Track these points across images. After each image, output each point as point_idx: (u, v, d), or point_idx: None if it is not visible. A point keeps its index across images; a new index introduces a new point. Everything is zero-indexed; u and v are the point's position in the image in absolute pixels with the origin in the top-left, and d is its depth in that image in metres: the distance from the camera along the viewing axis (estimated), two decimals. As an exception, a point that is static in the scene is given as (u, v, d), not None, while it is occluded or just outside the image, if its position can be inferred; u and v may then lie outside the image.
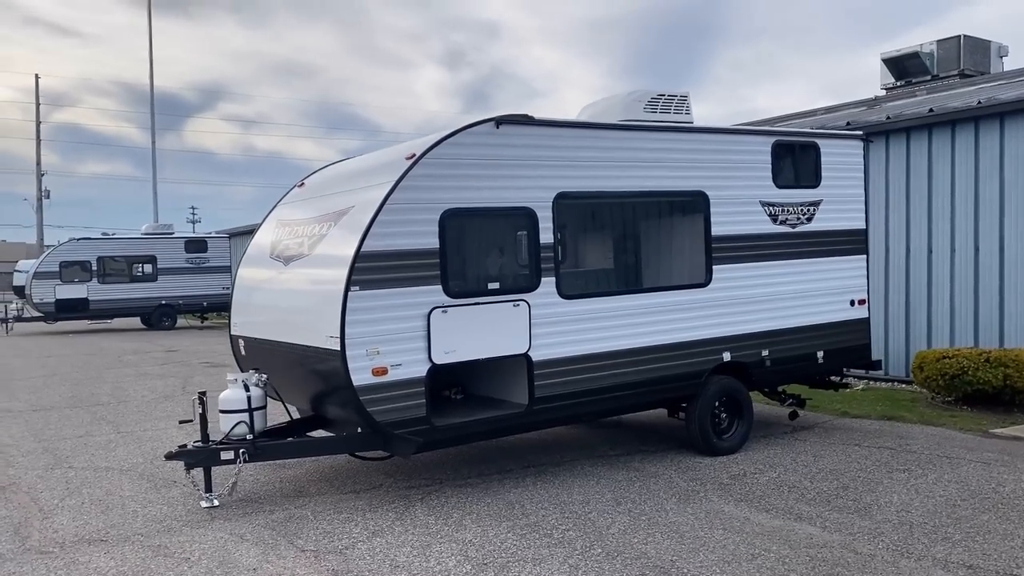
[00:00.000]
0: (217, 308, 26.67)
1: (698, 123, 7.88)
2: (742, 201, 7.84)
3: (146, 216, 37.44)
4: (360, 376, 5.90)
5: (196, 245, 27.01)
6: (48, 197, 49.67)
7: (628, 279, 7.99)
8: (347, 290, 5.84)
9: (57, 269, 25.18)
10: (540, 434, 8.45)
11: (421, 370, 6.15)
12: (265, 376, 6.83)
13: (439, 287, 6.22)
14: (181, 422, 7.27)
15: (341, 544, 5.56)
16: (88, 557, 5.44)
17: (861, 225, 8.76)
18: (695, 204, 7.69)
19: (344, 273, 5.88)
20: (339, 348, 5.84)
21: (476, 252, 7.34)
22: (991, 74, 16.18)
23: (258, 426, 6.59)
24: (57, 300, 25.03)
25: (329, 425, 7.13)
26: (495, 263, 7.42)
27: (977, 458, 7.35)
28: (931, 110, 11.19)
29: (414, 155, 6.21)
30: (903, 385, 11.28)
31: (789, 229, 8.14)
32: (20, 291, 29.58)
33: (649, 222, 8.52)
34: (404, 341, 6.09)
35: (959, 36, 16.75)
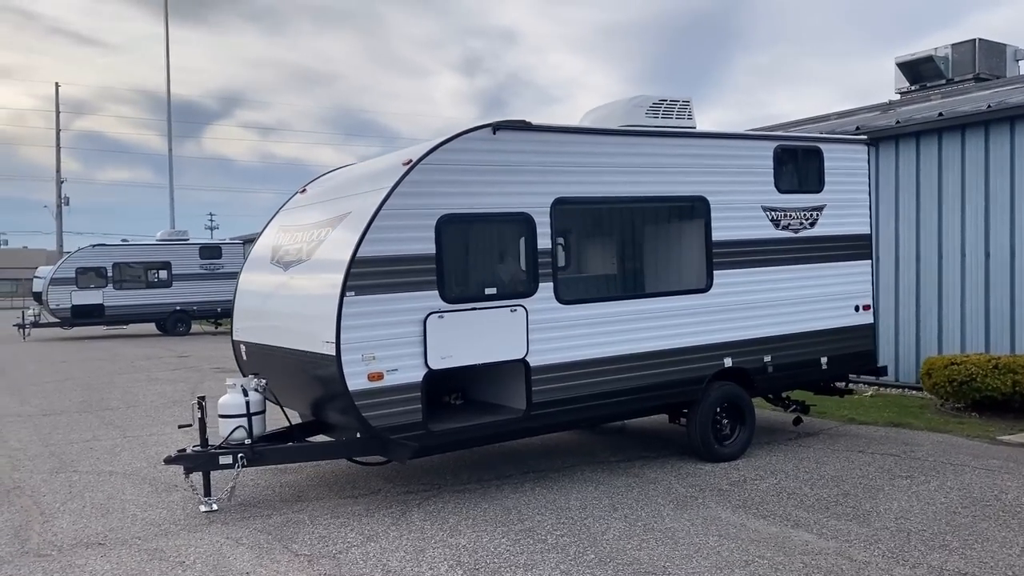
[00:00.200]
0: (231, 314, 26.78)
1: (701, 128, 7.85)
2: (743, 206, 7.80)
3: (165, 222, 37.77)
4: (356, 381, 5.92)
5: (210, 251, 27.21)
6: (68, 204, 50.37)
7: (627, 284, 7.96)
8: (343, 295, 5.86)
9: (73, 275, 25.44)
10: (542, 439, 8.43)
11: (417, 375, 6.15)
12: (264, 381, 6.87)
13: (435, 292, 6.23)
14: (180, 426, 7.31)
15: (335, 548, 5.57)
16: (84, 560, 5.48)
17: (866, 230, 8.69)
18: (696, 209, 7.66)
19: (340, 278, 5.90)
20: (335, 353, 5.86)
21: (473, 258, 7.34)
22: (1006, 78, 16.00)
23: (257, 431, 6.63)
24: (73, 306, 25.29)
25: (328, 430, 7.15)
26: (492, 268, 7.41)
27: (982, 465, 7.25)
28: (941, 114, 11.09)
29: (410, 161, 6.23)
30: (914, 392, 11.15)
31: (791, 234, 8.09)
32: (39, 297, 29.90)
33: (649, 227, 8.48)
34: (400, 346, 6.09)
35: (974, 40, 16.58)
